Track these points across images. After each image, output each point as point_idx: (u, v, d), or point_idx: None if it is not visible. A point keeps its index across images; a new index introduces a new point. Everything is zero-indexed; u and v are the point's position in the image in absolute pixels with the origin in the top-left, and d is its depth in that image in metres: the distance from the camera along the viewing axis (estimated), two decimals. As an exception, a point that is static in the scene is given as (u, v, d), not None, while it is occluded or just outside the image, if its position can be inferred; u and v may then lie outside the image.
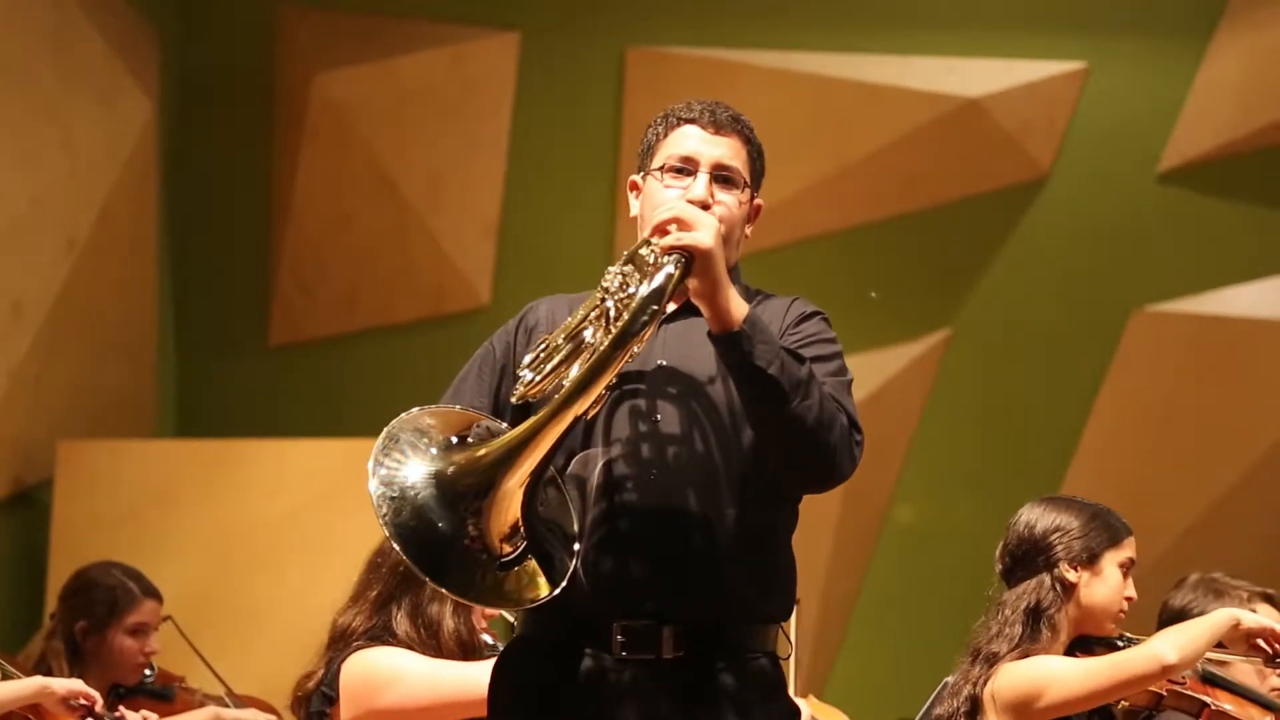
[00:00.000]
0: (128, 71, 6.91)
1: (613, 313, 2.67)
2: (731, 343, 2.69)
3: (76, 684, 3.82)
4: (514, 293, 7.07)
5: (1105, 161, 7.14)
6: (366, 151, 7.26)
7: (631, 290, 2.68)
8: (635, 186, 2.99)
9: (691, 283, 2.69)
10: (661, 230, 2.72)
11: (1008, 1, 7.24)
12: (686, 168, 2.89)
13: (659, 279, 2.64)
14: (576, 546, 2.71)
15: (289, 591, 6.01)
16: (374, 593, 3.76)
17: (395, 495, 2.59)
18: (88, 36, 6.64)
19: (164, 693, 4.59)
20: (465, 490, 2.61)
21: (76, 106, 6.62)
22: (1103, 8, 7.17)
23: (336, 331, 7.33)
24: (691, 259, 2.67)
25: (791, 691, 4.26)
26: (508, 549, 2.63)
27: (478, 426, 2.74)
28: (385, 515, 2.58)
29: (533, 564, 2.65)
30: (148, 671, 4.56)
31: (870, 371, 7.03)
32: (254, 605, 6.10)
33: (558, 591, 2.65)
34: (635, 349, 2.65)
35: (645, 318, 2.62)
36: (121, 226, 6.89)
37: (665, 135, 2.94)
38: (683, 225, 2.70)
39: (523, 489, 2.63)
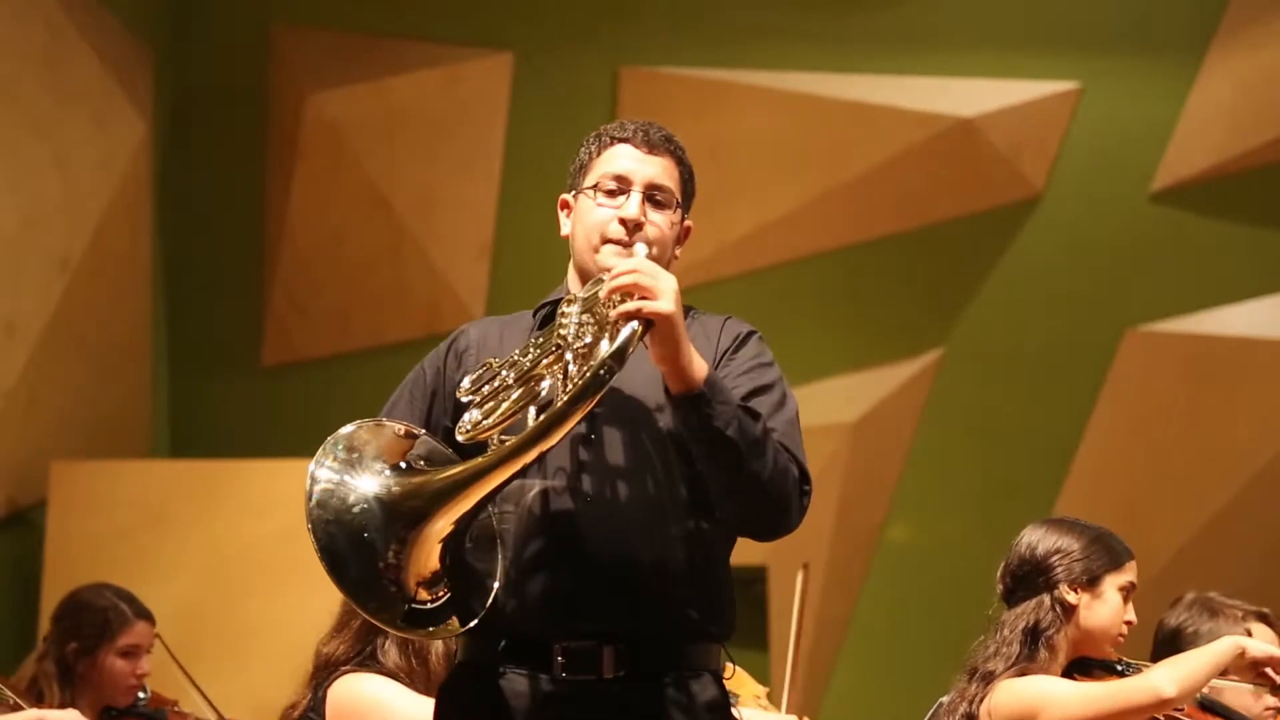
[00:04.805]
0: (121, 91, 6.90)
1: (572, 368, 2.66)
2: (691, 405, 2.67)
3: (71, 714, 3.79)
4: (508, 312, 7.07)
5: (1098, 181, 7.16)
6: (360, 171, 7.27)
7: (588, 340, 2.67)
8: (566, 205, 2.98)
9: (651, 346, 2.65)
10: (621, 292, 2.66)
11: (1001, 22, 7.25)
12: (620, 187, 2.88)
13: (622, 338, 2.60)
14: (494, 591, 2.71)
15: (283, 612, 5.99)
16: (358, 622, 3.74)
17: (330, 517, 2.60)
18: (81, 56, 6.64)
19: (156, 716, 4.57)
20: (403, 513, 2.61)
21: (70, 126, 6.61)
22: (1095, 28, 7.19)
23: (330, 351, 7.33)
24: (652, 324, 2.63)
25: (784, 711, 4.26)
26: (424, 595, 2.63)
27: (415, 446, 2.73)
28: (317, 532, 2.58)
29: (452, 621, 2.66)
30: (141, 694, 4.54)
31: (864, 391, 7.03)
32: (248, 626, 6.08)
33: (464, 629, 2.66)
34: (593, 404, 2.60)
35: (607, 377, 2.58)
36: (115, 246, 6.88)
37: (598, 154, 2.93)
38: (643, 291, 2.64)
39: (448, 535, 2.62)
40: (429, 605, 2.64)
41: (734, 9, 7.25)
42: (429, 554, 2.62)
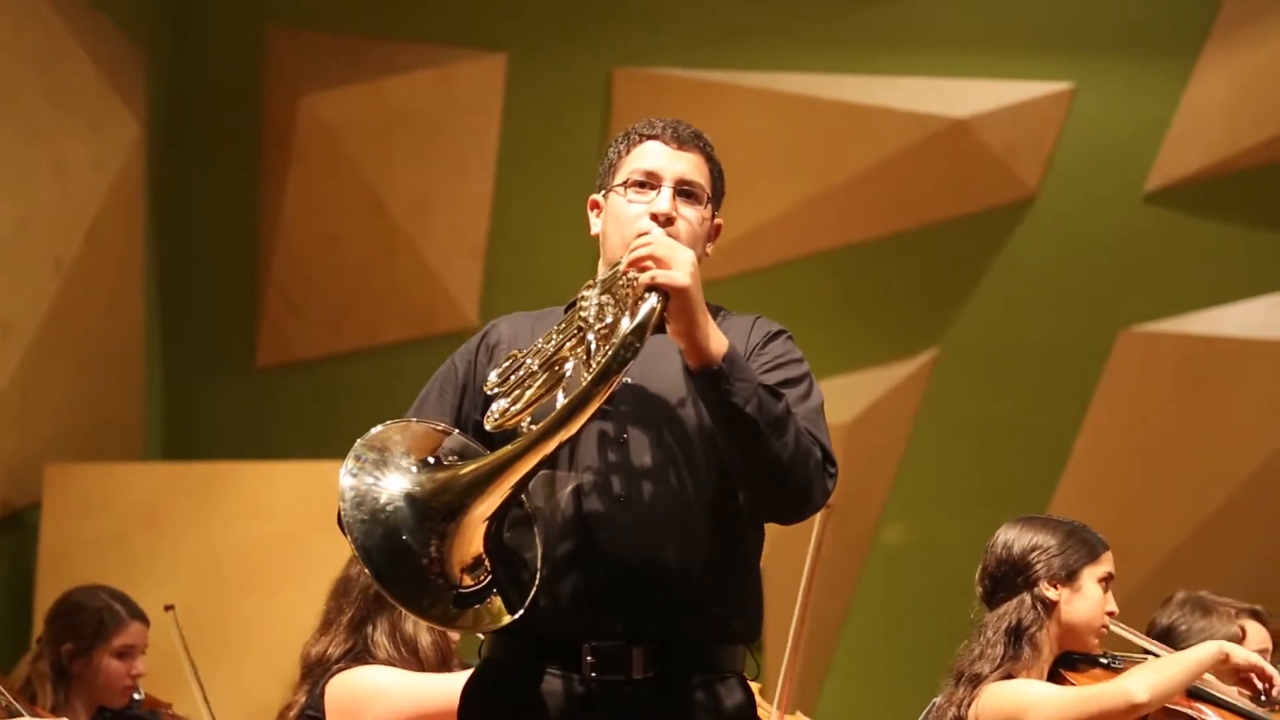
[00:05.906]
0: (115, 93, 6.90)
1: (594, 347, 2.66)
2: (710, 380, 2.67)
3: None
4: (502, 313, 7.06)
5: (1092, 182, 7.16)
6: (354, 172, 7.26)
7: (609, 320, 2.66)
8: (596, 205, 2.99)
9: (669, 320, 2.66)
10: (638, 265, 2.68)
11: (995, 22, 7.26)
12: (650, 182, 2.89)
13: (642, 314, 2.62)
14: (537, 577, 2.70)
15: (277, 614, 5.98)
16: (345, 617, 3.76)
17: (366, 518, 2.59)
18: (75, 58, 6.64)
19: (151, 717, 4.57)
20: (436, 510, 2.60)
21: (64, 128, 6.61)
22: (1089, 29, 7.19)
23: (324, 353, 7.32)
24: (669, 297, 2.64)
25: (776, 707, 4.26)
26: (468, 580, 2.63)
27: (446, 441, 2.73)
28: (356, 536, 2.58)
29: (495, 600, 2.65)
30: (136, 695, 4.54)
31: (859, 391, 7.03)
32: (242, 628, 6.08)
33: (513, 619, 2.65)
34: (616, 383, 2.61)
35: (628, 354, 2.59)
36: (109, 248, 6.88)
37: (627, 152, 2.94)
38: (659, 262, 2.67)
39: (488, 520, 2.62)
40: (474, 588, 2.63)
41: (727, 10, 7.25)
42: (469, 542, 2.62)
